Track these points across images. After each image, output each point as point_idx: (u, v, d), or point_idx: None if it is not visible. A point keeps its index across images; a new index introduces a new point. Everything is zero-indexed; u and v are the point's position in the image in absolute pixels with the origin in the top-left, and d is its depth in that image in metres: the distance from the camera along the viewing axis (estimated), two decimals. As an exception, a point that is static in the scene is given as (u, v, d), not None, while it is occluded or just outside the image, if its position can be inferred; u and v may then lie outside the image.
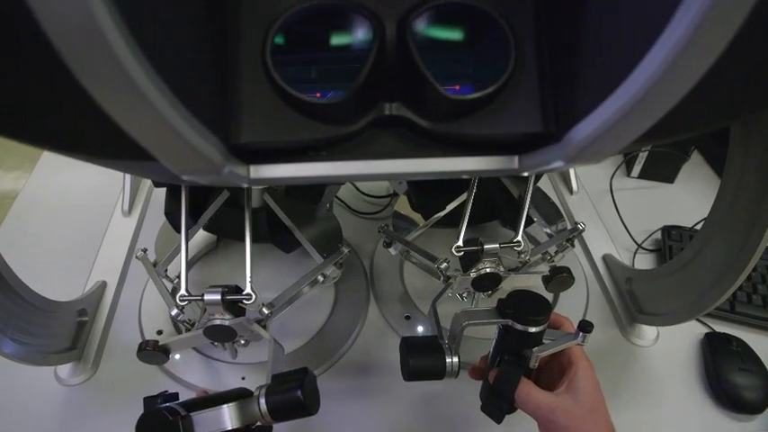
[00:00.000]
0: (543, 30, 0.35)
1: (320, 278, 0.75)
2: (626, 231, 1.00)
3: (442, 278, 0.69)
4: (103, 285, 0.86)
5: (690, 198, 1.10)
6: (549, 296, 0.85)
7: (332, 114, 0.35)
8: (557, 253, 0.78)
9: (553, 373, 0.59)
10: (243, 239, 0.92)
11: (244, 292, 0.62)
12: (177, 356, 0.79)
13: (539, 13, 0.35)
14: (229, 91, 0.33)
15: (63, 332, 0.75)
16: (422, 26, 0.35)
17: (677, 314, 0.74)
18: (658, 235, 1.00)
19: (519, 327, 0.55)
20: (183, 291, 0.63)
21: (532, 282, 0.72)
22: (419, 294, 0.87)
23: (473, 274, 0.66)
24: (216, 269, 0.93)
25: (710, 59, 0.25)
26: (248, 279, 0.63)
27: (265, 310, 0.65)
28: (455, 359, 0.59)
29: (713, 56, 0.25)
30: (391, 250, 0.80)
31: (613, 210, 1.01)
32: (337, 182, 0.71)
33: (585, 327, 0.55)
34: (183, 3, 0.29)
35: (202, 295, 0.61)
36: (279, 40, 0.34)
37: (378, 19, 0.34)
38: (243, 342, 0.67)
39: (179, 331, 0.82)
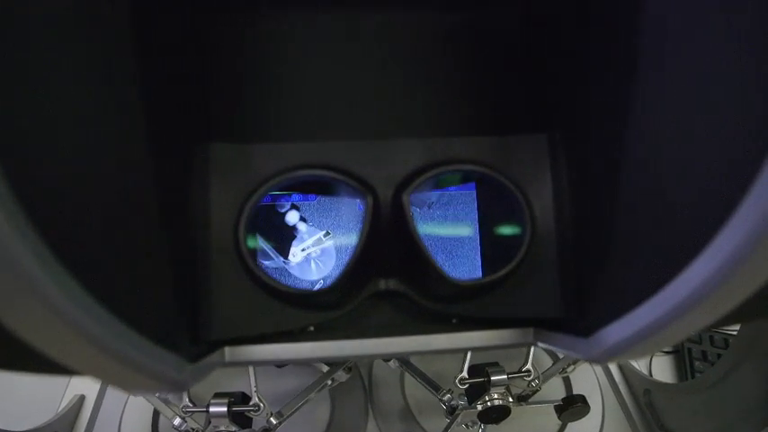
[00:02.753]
0: (564, 203, 0.31)
1: (328, 382, 0.70)
2: (640, 331, 0.94)
3: (445, 410, 0.62)
4: (81, 400, 0.80)
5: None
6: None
7: (319, 302, 0.30)
8: (569, 365, 0.73)
9: None
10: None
11: (251, 403, 0.58)
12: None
13: (558, 181, 0.31)
14: (197, 284, 0.29)
15: (31, 463, 0.69)
16: (422, 199, 0.31)
17: (705, 440, 0.68)
18: (675, 335, 0.94)
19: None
20: (186, 401, 0.60)
21: (544, 410, 0.66)
22: (422, 409, 0.81)
23: (480, 407, 0.60)
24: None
25: None
26: (254, 388, 0.59)
27: (273, 420, 0.60)
28: None
29: None
30: (391, 363, 0.74)
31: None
32: (328, 362, 0.69)
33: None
34: (129, 211, 0.24)
35: (207, 406, 0.56)
36: (252, 239, 0.30)
37: (371, 189, 0.30)
38: None
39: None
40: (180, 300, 0.28)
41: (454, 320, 0.34)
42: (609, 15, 0.27)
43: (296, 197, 0.36)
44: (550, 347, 0.33)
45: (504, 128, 0.32)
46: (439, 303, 0.31)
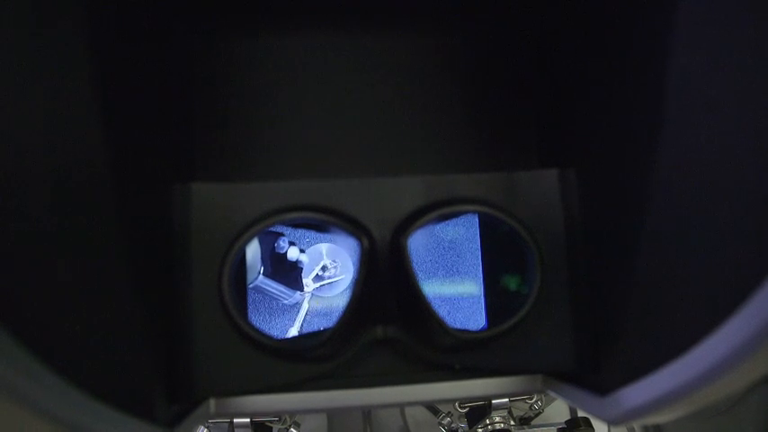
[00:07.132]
0: (577, 247, 0.28)
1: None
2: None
3: (445, 433, 0.60)
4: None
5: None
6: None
7: (312, 355, 0.28)
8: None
9: None
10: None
11: None
12: None
13: (571, 222, 0.28)
14: (176, 339, 0.26)
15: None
16: (422, 241, 0.28)
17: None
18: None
19: None
20: None
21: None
22: (421, 429, 0.79)
23: (480, 431, 0.58)
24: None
25: None
26: None
27: (294, 430, 0.61)
28: None
29: None
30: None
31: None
32: (323, 412, 0.70)
33: None
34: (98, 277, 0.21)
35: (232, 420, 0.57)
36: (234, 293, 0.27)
37: (366, 232, 0.27)
38: None
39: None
40: (156, 357, 0.25)
41: (457, 366, 0.31)
42: (634, 44, 0.25)
43: (287, 231, 0.34)
44: (560, 398, 0.31)
45: (512, 163, 0.29)
46: (440, 353, 0.29)
